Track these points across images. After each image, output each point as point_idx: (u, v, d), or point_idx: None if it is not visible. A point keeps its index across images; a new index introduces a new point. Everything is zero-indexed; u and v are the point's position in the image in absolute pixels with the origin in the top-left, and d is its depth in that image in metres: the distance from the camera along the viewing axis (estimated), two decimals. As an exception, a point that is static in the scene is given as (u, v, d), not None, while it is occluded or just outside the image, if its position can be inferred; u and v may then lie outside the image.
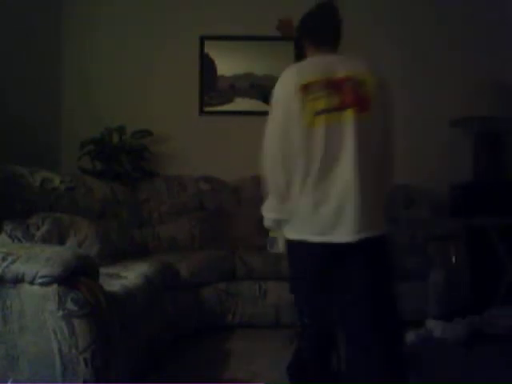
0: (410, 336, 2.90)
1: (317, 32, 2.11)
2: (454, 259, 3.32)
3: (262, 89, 4.18)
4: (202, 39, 4.23)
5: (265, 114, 4.11)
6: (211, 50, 4.24)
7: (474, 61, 4.15)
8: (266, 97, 4.20)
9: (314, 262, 1.92)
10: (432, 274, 3.28)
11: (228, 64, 4.24)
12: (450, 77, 4.17)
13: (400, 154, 4.18)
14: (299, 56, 2.26)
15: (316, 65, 2.02)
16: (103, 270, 2.06)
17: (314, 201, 1.88)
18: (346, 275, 1.90)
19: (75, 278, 1.69)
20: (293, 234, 1.96)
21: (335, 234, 1.86)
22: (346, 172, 1.86)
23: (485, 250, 3.52)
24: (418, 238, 3.44)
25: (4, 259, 1.68)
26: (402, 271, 3.27)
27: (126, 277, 2.29)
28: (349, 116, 1.88)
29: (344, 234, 1.85)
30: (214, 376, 2.34)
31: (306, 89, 1.90)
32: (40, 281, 1.64)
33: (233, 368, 2.45)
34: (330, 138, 1.87)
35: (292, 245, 1.99)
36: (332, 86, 1.90)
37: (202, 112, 4.25)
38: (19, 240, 2.36)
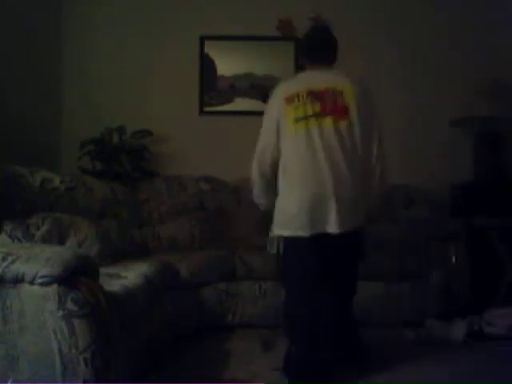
0: (410, 336, 2.90)
1: (310, 52, 2.41)
2: (454, 259, 3.33)
3: (261, 89, 4.18)
4: (202, 39, 4.23)
5: (265, 114, 3.94)
6: (211, 49, 4.24)
7: (474, 61, 4.15)
8: (265, 97, 4.18)
9: (308, 253, 2.24)
10: (432, 274, 3.28)
11: (228, 64, 4.24)
12: (450, 77, 4.17)
13: (400, 154, 4.23)
14: (300, 69, 2.57)
15: (301, 79, 2.40)
16: (103, 270, 2.06)
17: (301, 199, 2.20)
18: (328, 260, 2.25)
19: (75, 278, 1.69)
20: (287, 231, 2.30)
21: (321, 227, 2.19)
22: (324, 173, 2.17)
23: (485, 250, 3.52)
24: (418, 238, 3.44)
25: (4, 259, 1.68)
26: (402, 271, 3.28)
27: (126, 277, 2.29)
28: (328, 122, 2.20)
29: (328, 227, 2.17)
30: (214, 376, 2.34)
31: (289, 99, 2.26)
32: (40, 281, 1.64)
33: (233, 368, 2.45)
34: (311, 142, 2.21)
35: (288, 240, 2.34)
36: (313, 96, 2.23)
37: (202, 112, 4.25)
38: (19, 240, 2.36)
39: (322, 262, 2.25)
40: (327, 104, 2.21)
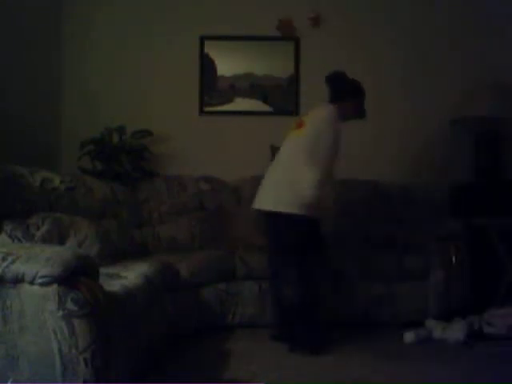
0: (410, 336, 2.90)
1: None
2: (454, 259, 3.33)
3: (261, 89, 4.18)
4: (202, 39, 4.23)
5: (264, 114, 4.31)
6: (211, 49, 4.24)
7: (474, 61, 4.15)
8: (265, 97, 4.20)
9: (261, 224, 3.14)
10: (432, 274, 3.28)
11: (228, 64, 4.24)
12: (449, 77, 4.17)
13: (400, 154, 4.21)
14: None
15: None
16: (103, 270, 2.06)
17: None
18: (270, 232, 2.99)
19: (75, 278, 1.69)
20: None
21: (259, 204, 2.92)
22: (272, 168, 2.93)
23: (485, 250, 3.52)
24: (418, 238, 3.44)
25: (4, 259, 1.68)
26: (402, 271, 3.28)
27: (126, 277, 2.29)
28: (292, 132, 2.92)
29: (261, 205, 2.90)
30: (214, 376, 2.34)
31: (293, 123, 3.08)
32: (40, 281, 1.64)
33: (233, 368, 2.45)
34: (283, 145, 2.95)
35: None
36: (298, 119, 3.03)
37: (202, 112, 4.24)
38: (19, 240, 2.36)
39: (267, 232, 3.00)
40: (297, 124, 2.93)
